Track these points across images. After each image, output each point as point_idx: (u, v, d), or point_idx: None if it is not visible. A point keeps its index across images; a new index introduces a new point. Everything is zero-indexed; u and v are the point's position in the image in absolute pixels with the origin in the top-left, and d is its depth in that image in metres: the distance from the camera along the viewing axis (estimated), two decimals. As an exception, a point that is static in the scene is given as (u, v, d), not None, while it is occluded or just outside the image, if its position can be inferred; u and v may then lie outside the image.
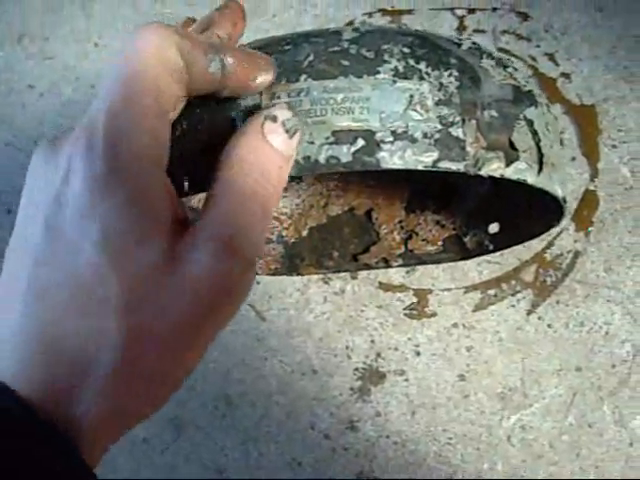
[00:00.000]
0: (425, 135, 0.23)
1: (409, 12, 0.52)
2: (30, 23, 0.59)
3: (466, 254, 0.40)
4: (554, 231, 0.44)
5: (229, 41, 0.25)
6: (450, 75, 0.24)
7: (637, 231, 0.45)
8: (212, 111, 0.24)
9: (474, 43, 0.27)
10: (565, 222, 0.45)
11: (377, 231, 0.42)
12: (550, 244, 0.46)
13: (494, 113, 0.24)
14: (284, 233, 0.42)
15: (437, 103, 0.23)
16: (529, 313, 0.45)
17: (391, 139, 0.23)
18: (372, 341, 0.46)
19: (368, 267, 0.42)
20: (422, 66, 0.24)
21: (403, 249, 0.41)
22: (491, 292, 0.46)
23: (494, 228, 0.38)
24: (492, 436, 0.44)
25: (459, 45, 0.26)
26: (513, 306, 0.45)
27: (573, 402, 0.43)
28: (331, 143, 0.23)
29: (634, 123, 0.46)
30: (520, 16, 0.50)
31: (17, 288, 0.20)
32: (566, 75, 0.48)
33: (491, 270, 0.46)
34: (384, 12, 0.53)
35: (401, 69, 0.24)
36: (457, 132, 0.23)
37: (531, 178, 0.25)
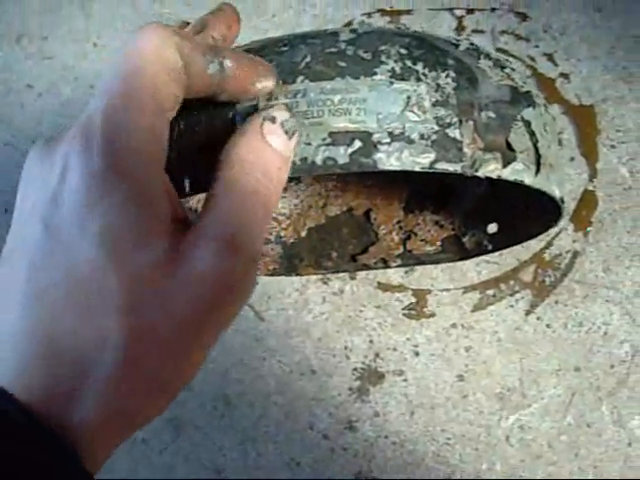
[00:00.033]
0: (422, 136, 0.23)
1: (408, 12, 0.52)
2: (29, 23, 0.59)
3: (465, 254, 0.40)
4: (553, 231, 0.44)
5: (224, 43, 0.25)
6: (447, 76, 0.24)
7: (636, 231, 0.45)
8: (210, 112, 0.24)
9: (472, 44, 0.27)
10: (564, 222, 0.45)
11: (376, 231, 0.42)
12: (549, 244, 0.46)
13: (491, 114, 0.24)
14: (283, 234, 0.42)
15: (434, 104, 0.23)
16: (528, 313, 0.45)
17: (388, 140, 0.23)
18: (371, 341, 0.46)
19: (367, 267, 0.42)
20: (419, 67, 0.24)
21: (402, 249, 0.41)
22: (490, 292, 0.46)
23: (493, 228, 0.38)
24: (491, 436, 0.44)
25: (456, 46, 0.26)
26: (512, 306, 0.45)
27: (572, 402, 0.43)
28: (328, 144, 0.23)
29: (633, 123, 0.46)
30: (519, 16, 0.50)
31: (15, 288, 0.20)
32: (565, 75, 0.48)
33: (490, 270, 0.46)
34: (383, 12, 0.52)
35: (398, 70, 0.24)
36: (454, 133, 0.23)
37: (528, 179, 0.25)
